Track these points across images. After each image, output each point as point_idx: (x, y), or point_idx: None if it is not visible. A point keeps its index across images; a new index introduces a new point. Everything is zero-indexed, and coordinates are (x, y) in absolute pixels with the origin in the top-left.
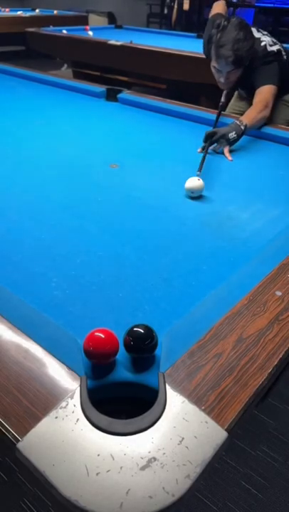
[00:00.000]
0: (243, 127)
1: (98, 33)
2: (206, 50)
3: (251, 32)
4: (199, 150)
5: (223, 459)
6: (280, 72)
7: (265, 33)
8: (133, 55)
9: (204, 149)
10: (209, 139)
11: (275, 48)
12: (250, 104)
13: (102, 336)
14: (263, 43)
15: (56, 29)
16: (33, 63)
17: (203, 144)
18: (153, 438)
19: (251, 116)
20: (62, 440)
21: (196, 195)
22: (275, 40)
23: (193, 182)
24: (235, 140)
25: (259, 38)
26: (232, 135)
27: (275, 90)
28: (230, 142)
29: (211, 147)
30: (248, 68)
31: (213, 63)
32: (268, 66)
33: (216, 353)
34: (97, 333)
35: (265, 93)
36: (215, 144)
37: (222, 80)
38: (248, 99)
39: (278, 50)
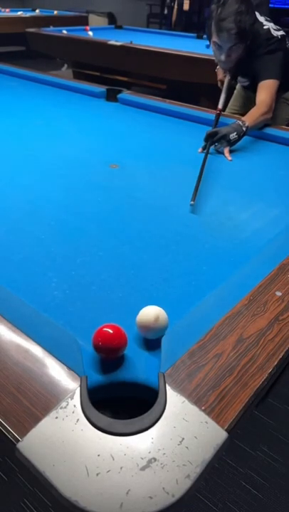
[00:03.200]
0: (244, 128)
1: (98, 33)
2: (207, 28)
3: (253, 8)
4: (200, 150)
5: (223, 459)
6: (284, 62)
7: (268, 19)
8: (133, 55)
9: (205, 149)
10: (210, 138)
11: (279, 34)
12: (249, 103)
13: (111, 332)
14: (265, 27)
15: (56, 29)
16: (33, 63)
17: (204, 144)
18: (153, 438)
19: (254, 117)
20: (63, 440)
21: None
22: (278, 27)
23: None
24: (236, 141)
25: (262, 23)
26: (233, 136)
27: (278, 84)
28: (231, 143)
29: (211, 147)
30: (251, 54)
31: (214, 38)
32: (271, 56)
33: (216, 353)
34: (105, 329)
35: (268, 90)
36: (216, 144)
37: (222, 57)
38: (248, 98)
39: (282, 36)
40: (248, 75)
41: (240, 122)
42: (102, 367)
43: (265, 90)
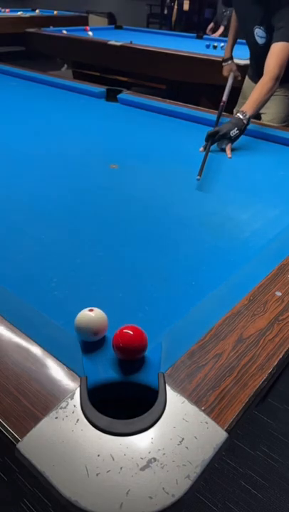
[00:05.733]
0: (245, 121)
1: (98, 33)
2: None
3: None
4: (201, 149)
5: (223, 459)
6: None
7: None
8: (133, 55)
9: (206, 148)
10: (211, 138)
11: None
12: None
13: (131, 333)
14: None
15: (56, 29)
16: (33, 64)
17: (205, 143)
18: (153, 438)
19: (257, 101)
20: (62, 440)
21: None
22: None
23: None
24: (238, 136)
25: None
26: (234, 132)
27: None
28: (233, 139)
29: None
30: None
31: None
32: None
33: (216, 353)
34: (125, 330)
35: (278, 56)
36: (218, 143)
37: None
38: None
39: None
40: (268, 29)
41: (240, 115)
42: (102, 367)
43: (275, 57)
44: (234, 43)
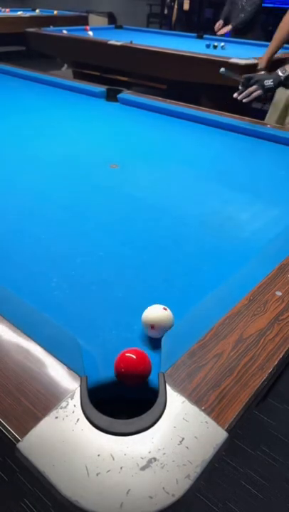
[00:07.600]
0: (282, 78)
1: (98, 33)
2: None
3: None
4: (235, 95)
5: (223, 459)
6: None
7: None
8: (133, 55)
9: (240, 94)
10: (246, 82)
11: None
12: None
13: (134, 357)
14: None
15: (56, 29)
16: (33, 63)
17: (240, 89)
18: (153, 438)
19: None
20: (63, 440)
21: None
22: None
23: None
24: (271, 88)
25: None
26: (268, 82)
27: None
28: (265, 89)
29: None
30: None
31: None
32: None
33: (216, 353)
34: (128, 354)
35: None
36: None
37: None
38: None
39: None
40: None
41: (279, 72)
42: (103, 367)
43: None
44: (276, 51)
